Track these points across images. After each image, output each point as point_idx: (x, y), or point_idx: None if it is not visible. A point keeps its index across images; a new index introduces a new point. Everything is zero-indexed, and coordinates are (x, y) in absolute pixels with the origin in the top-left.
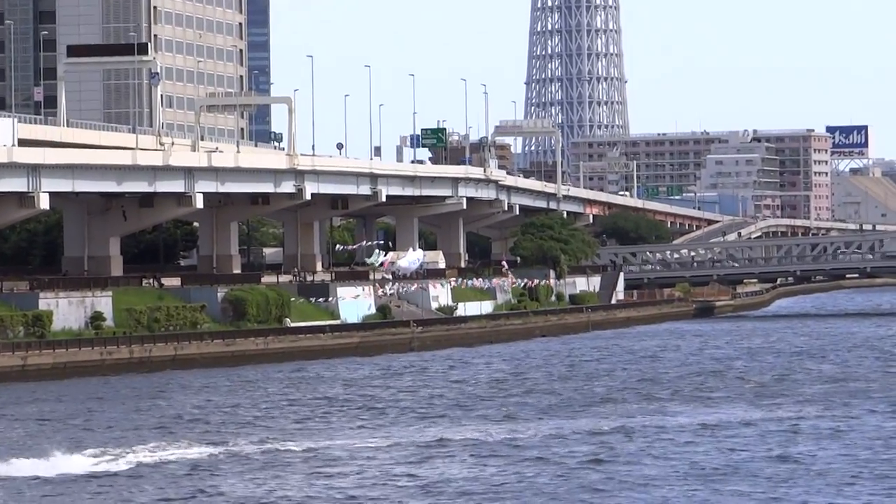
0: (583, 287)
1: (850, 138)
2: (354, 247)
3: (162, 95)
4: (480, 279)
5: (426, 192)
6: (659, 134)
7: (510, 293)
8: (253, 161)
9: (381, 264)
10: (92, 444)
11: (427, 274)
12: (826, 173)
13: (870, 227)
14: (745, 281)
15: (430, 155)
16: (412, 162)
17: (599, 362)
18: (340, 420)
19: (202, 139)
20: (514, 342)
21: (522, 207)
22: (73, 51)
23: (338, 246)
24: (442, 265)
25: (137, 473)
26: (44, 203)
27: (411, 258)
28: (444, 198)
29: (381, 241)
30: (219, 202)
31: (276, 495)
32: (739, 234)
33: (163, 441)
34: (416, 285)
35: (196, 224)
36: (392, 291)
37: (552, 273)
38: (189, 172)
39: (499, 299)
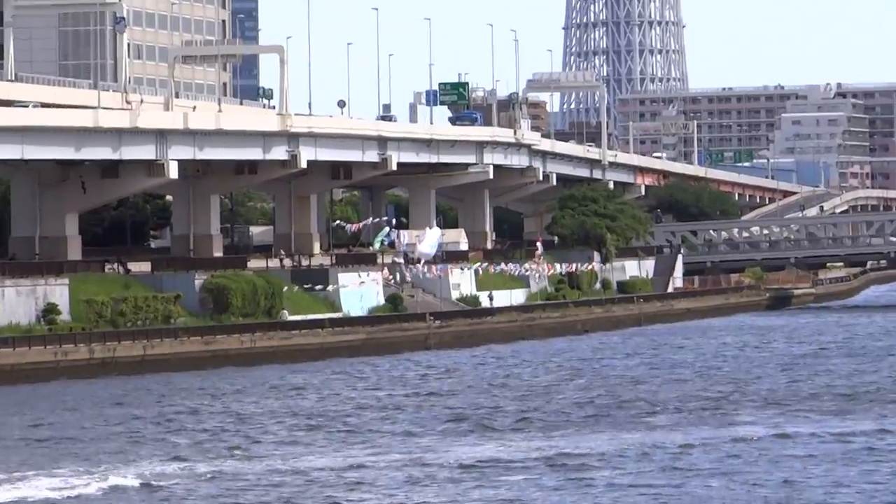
0: (633, 272)
1: None
2: (359, 225)
3: (129, 44)
4: (510, 263)
5: (445, 158)
6: (724, 89)
7: (546, 280)
8: (237, 122)
9: (392, 245)
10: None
11: (446, 257)
12: None
13: None
14: (828, 265)
15: (450, 115)
16: (465, 124)
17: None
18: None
19: (177, 96)
20: (550, 338)
21: (560, 177)
22: None
23: (339, 224)
24: (464, 246)
25: None
26: None
27: (430, 239)
28: (467, 165)
29: (392, 218)
30: (197, 171)
31: None
32: (821, 209)
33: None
34: (433, 271)
35: (169, 198)
36: (405, 278)
37: (596, 256)
38: (161, 136)
39: (532, 287)
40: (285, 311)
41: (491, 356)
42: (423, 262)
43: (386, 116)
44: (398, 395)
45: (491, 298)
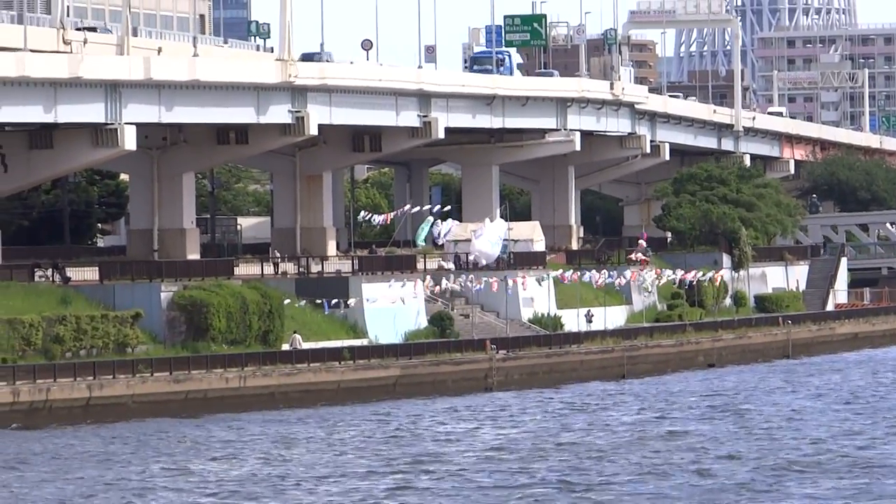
0: (778, 282)
1: None
2: (391, 215)
3: None
4: (605, 270)
5: (513, 122)
6: None
7: (655, 293)
8: (220, 71)
9: (438, 245)
10: None
11: (515, 261)
12: None
13: None
14: None
15: (520, 61)
16: (487, 71)
17: None
18: None
19: (135, 34)
20: (659, 375)
21: (676, 148)
22: None
23: (364, 214)
24: (540, 246)
25: None
26: None
27: (491, 235)
28: (544, 132)
29: (438, 207)
30: (163, 140)
31: None
32: None
33: None
34: (495, 280)
35: (125, 177)
36: (456, 291)
37: (726, 259)
38: (113, 90)
39: (636, 304)
40: (297, 336)
41: (583, 401)
42: (480, 266)
43: (430, 62)
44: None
45: (590, 319)
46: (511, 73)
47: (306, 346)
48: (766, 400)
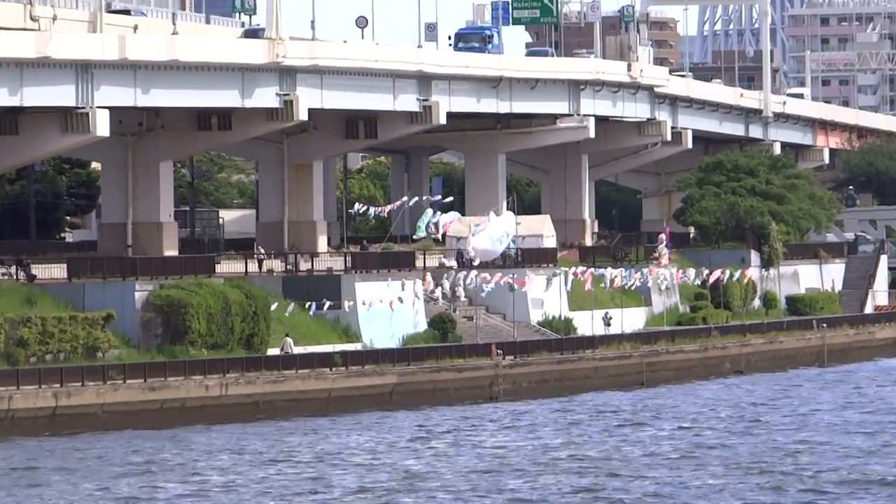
0: (811, 282)
1: None
2: (388, 208)
3: None
4: (621, 268)
5: (522, 106)
6: None
7: (677, 294)
8: (201, 51)
9: (439, 240)
10: None
11: (523, 258)
12: None
13: None
14: None
15: (530, 40)
16: (473, 49)
17: None
18: None
19: (109, 10)
20: (683, 383)
21: (700, 135)
22: None
23: (358, 207)
24: (551, 242)
25: None
26: None
27: (495, 230)
28: (555, 118)
29: (438, 198)
30: (139, 126)
31: None
32: None
33: None
34: (501, 279)
35: (96, 166)
36: (457, 290)
37: (754, 257)
38: (84, 71)
39: (656, 306)
40: (289, 339)
41: (607, 415)
42: (482, 263)
43: (430, 41)
44: None
45: (608, 322)
46: (499, 52)
47: (296, 350)
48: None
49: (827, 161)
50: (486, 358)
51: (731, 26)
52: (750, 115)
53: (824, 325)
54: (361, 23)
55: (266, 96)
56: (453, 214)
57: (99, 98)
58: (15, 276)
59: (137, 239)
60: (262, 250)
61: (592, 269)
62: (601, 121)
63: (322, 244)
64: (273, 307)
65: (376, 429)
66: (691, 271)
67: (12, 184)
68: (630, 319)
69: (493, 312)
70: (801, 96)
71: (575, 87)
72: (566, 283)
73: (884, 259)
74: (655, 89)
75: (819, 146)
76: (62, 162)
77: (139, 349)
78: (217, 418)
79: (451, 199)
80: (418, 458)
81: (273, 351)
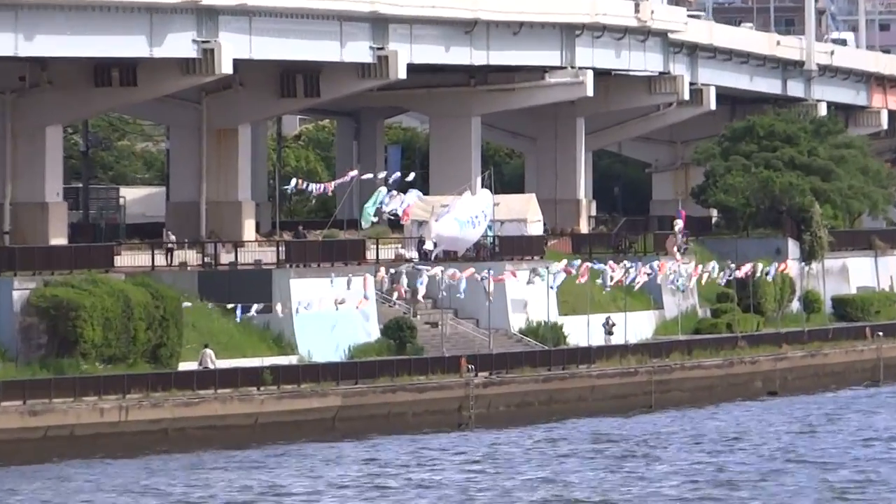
0: (864, 279)
1: None
2: (332, 185)
3: None
4: (625, 262)
5: (501, 57)
6: None
7: (695, 294)
8: None
9: (394, 224)
10: None
11: (501, 248)
12: None
13: None
14: None
15: None
16: None
17: None
18: None
19: None
20: (701, 406)
21: (725, 94)
22: None
23: (295, 183)
24: (537, 229)
25: None
26: None
27: (464, 212)
28: (543, 71)
29: (396, 174)
30: (21, 81)
31: None
32: None
33: None
34: (473, 274)
35: None
36: (419, 291)
37: (792, 247)
38: None
39: (668, 309)
40: (209, 351)
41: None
42: (433, 254)
43: None
44: None
45: (610, 330)
46: None
47: (211, 366)
48: None
49: (885, 126)
50: (454, 375)
51: None
52: (788, 67)
53: (880, 333)
54: None
55: (180, 44)
56: (413, 194)
57: None
58: None
59: (16, 223)
60: (173, 238)
61: (589, 263)
62: (602, 75)
63: (249, 231)
64: (186, 308)
65: (311, 465)
66: (713, 265)
67: None
68: (636, 326)
69: (464, 317)
70: (843, 42)
71: (569, 33)
72: (556, 281)
73: None
74: (670, 35)
75: (875, 107)
76: None
77: (17, 363)
78: (115, 450)
79: (411, 174)
80: (364, 501)
81: (188, 365)
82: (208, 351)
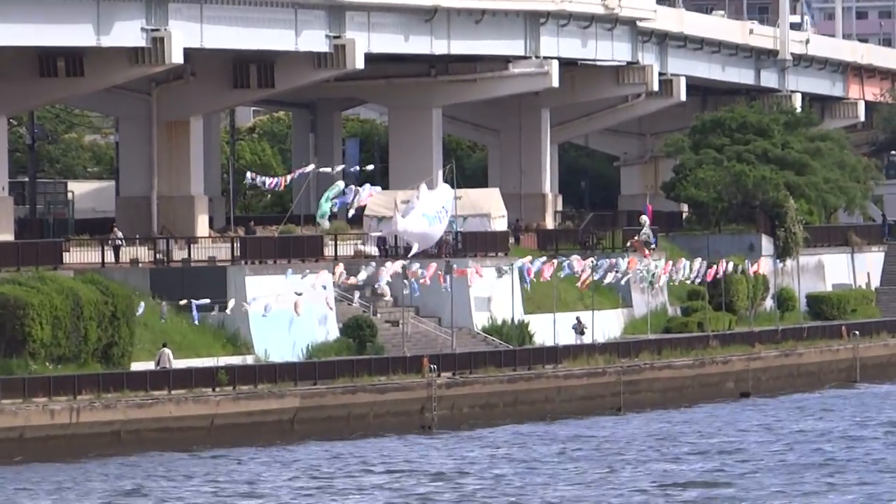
0: (839, 277)
1: None
2: (288, 178)
3: None
4: (593, 258)
5: (462, 47)
6: None
7: (665, 292)
8: None
9: (351, 219)
10: None
11: (465, 244)
12: None
13: None
14: None
15: None
16: None
17: None
18: None
19: None
20: (671, 408)
21: (696, 84)
22: None
23: (249, 177)
24: (501, 224)
25: None
26: None
27: (427, 207)
28: (507, 61)
29: (355, 167)
30: None
31: None
32: None
33: None
34: (436, 271)
35: None
36: (380, 289)
37: (765, 243)
38: None
39: (638, 307)
40: (167, 350)
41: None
42: (412, 252)
43: None
44: None
45: (581, 330)
46: None
47: (163, 366)
48: None
49: (862, 118)
50: (415, 375)
51: None
52: (762, 57)
53: (856, 332)
54: None
55: (129, 32)
56: (368, 189)
57: None
58: None
59: None
60: (120, 235)
61: (554, 260)
62: (567, 65)
63: (202, 226)
64: (140, 309)
65: (267, 467)
66: (684, 262)
67: None
68: (604, 325)
69: (426, 315)
70: (798, 26)
71: (533, 21)
72: (521, 278)
73: None
74: (638, 24)
75: (852, 98)
76: None
77: None
78: (64, 453)
79: (370, 167)
80: None
81: (141, 365)
82: (166, 350)
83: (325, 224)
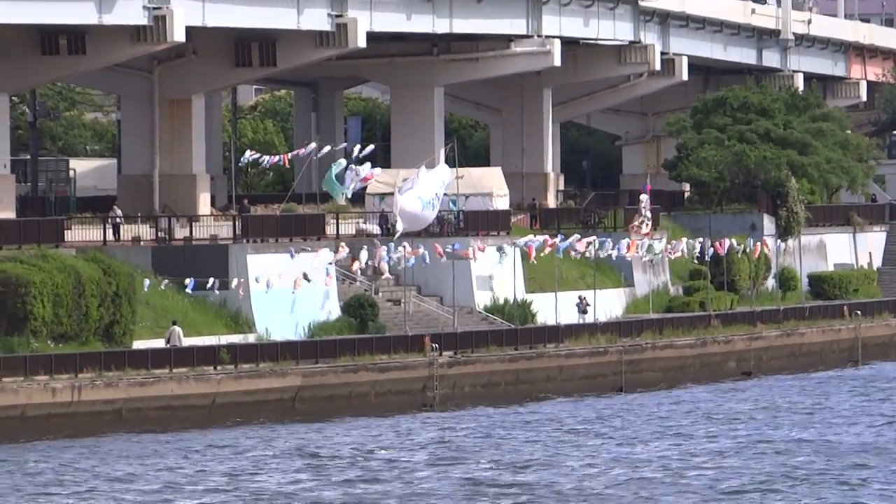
0: (841, 257)
1: None
2: (289, 156)
3: None
4: (594, 236)
5: (465, 25)
6: None
7: (667, 271)
8: None
9: (355, 198)
10: None
11: (466, 223)
12: None
13: None
14: None
15: None
16: None
17: None
18: None
19: None
20: (673, 388)
21: (698, 64)
22: None
23: (250, 155)
24: (503, 203)
25: None
26: None
27: (427, 187)
28: (509, 40)
29: (357, 145)
30: None
31: None
32: None
33: None
34: (437, 250)
35: None
36: (381, 268)
37: (767, 223)
38: None
39: (640, 286)
40: (177, 328)
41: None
42: (398, 233)
43: None
44: None
45: (584, 309)
46: None
47: (155, 345)
48: None
49: (864, 98)
50: (417, 354)
51: None
52: (764, 37)
53: (858, 312)
54: None
55: (131, 11)
56: (369, 168)
57: None
58: None
59: None
60: (120, 213)
61: (556, 239)
62: (569, 44)
63: (204, 205)
64: (145, 287)
65: (263, 447)
66: (685, 242)
67: None
68: (605, 304)
69: (428, 294)
70: (800, 6)
71: (535, 0)
72: (523, 257)
73: None
74: (640, 3)
75: (854, 78)
76: None
77: None
78: (66, 431)
79: (371, 146)
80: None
81: (143, 343)
82: (177, 328)
83: (341, 200)
